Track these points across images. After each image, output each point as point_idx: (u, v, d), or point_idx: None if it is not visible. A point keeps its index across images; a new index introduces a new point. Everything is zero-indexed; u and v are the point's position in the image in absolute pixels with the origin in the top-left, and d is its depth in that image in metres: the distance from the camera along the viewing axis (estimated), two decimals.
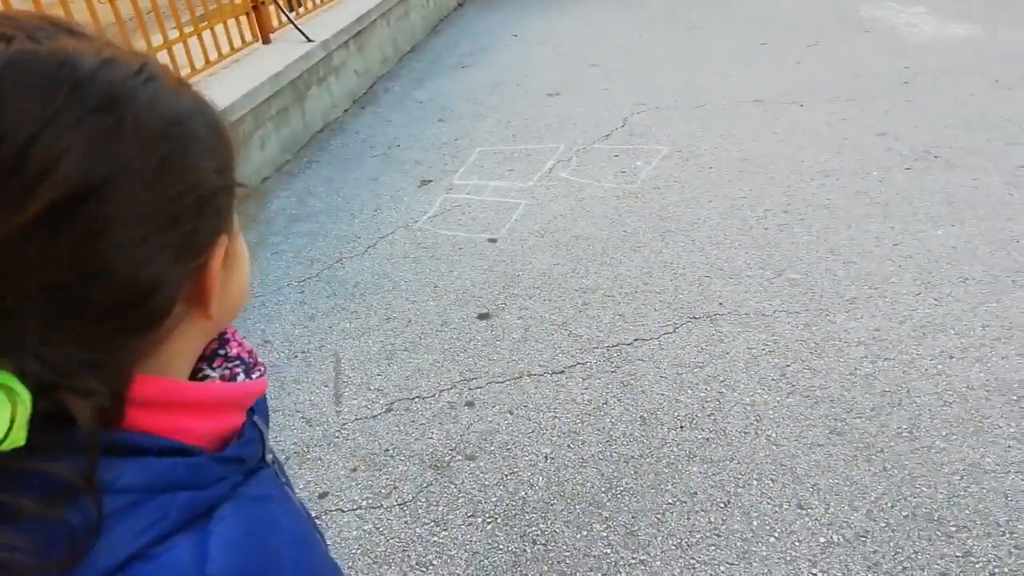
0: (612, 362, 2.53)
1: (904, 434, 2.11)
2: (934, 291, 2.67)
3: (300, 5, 5.53)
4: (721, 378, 2.40)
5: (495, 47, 6.34)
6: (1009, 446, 2.03)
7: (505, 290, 2.98)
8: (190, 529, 0.44)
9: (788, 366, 2.41)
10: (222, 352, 0.58)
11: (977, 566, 1.74)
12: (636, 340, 2.62)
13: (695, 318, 2.69)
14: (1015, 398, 2.18)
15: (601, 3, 7.45)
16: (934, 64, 4.67)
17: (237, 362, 0.58)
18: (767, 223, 3.23)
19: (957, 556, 1.77)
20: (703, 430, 2.21)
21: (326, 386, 2.57)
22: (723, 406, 2.29)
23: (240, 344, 0.60)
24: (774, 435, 2.16)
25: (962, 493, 1.92)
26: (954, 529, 1.83)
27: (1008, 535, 1.80)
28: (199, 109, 0.48)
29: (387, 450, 2.28)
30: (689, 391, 2.36)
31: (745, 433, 2.18)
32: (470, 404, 2.42)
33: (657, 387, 2.39)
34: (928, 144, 3.71)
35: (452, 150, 4.35)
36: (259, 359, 0.61)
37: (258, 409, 0.59)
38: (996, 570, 1.72)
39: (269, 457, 0.59)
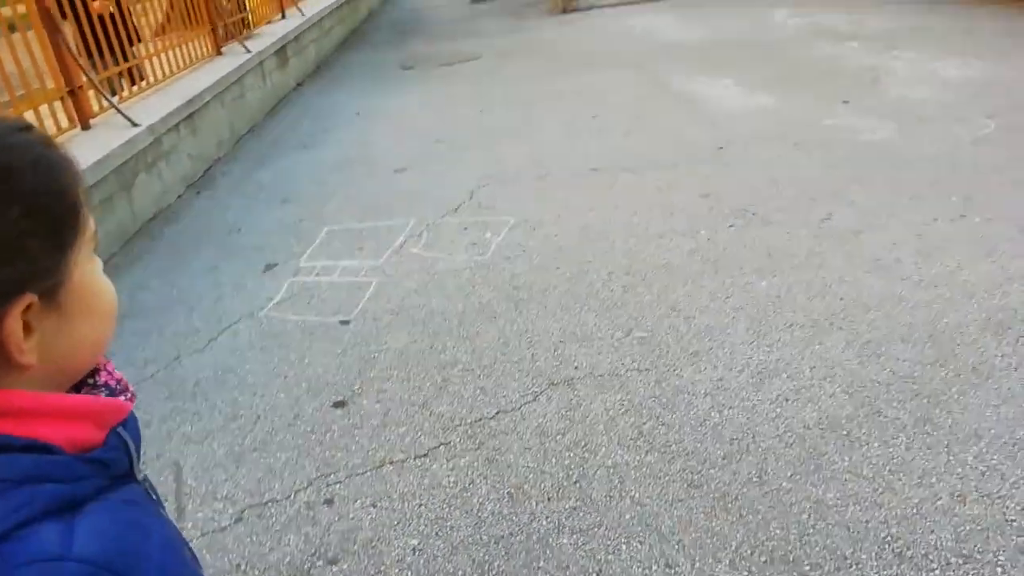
0: (475, 439, 2.48)
1: (754, 479, 2.22)
2: (765, 339, 2.88)
3: (124, 89, 5.25)
4: (583, 443, 2.42)
5: (338, 126, 6.33)
6: (846, 479, 2.19)
7: (361, 374, 2.88)
8: (57, 517, 0.46)
9: (644, 424, 2.48)
10: (91, 381, 0.60)
11: None
12: (498, 412, 2.60)
13: (554, 384, 2.72)
14: (845, 433, 2.36)
15: (440, 80, 7.69)
16: (744, 131, 5.19)
17: (103, 388, 0.60)
18: (612, 285, 3.37)
19: None
20: (570, 499, 2.21)
21: (166, 500, 2.32)
22: (587, 471, 2.30)
23: (111, 374, 0.62)
24: (637, 495, 2.20)
25: (811, 531, 2.03)
26: (808, 568, 1.92)
27: (855, 566, 1.91)
28: (31, 166, 0.51)
29: (239, 565, 2.07)
30: (553, 459, 2.36)
31: (610, 497, 2.20)
32: (329, 502, 2.27)
33: (522, 459, 2.37)
34: (745, 203, 4.07)
35: (297, 232, 4.23)
36: (129, 387, 0.63)
37: (132, 433, 0.60)
38: None
39: (140, 475, 0.61)
